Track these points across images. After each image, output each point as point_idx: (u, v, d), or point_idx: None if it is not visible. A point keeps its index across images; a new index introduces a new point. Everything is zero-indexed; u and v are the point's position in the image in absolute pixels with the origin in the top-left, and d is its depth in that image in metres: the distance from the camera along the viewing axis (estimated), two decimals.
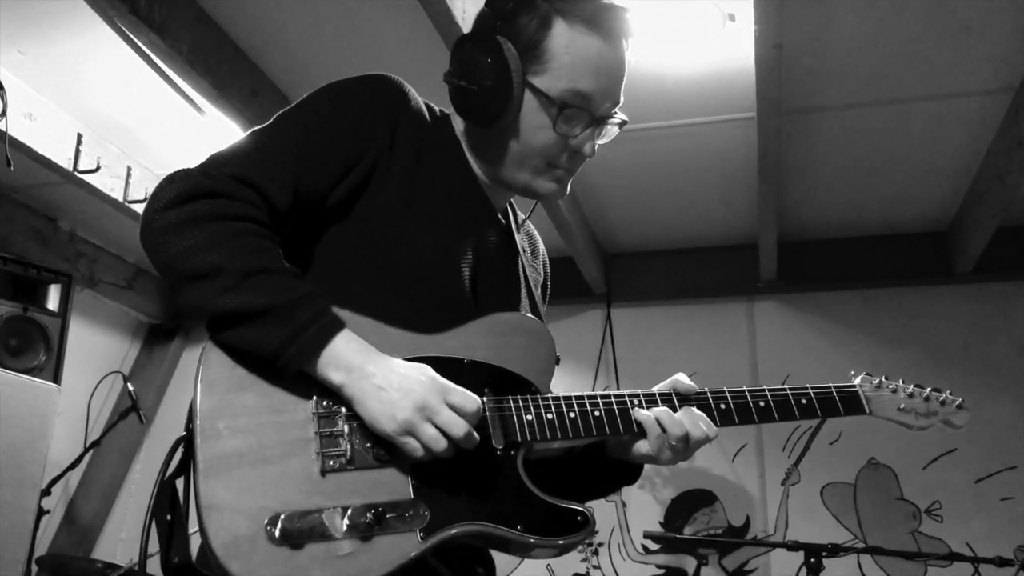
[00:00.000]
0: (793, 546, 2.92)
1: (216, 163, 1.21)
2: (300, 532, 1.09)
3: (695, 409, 1.33)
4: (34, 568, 3.82)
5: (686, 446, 1.31)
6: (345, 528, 1.11)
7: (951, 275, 4.18)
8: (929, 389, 1.51)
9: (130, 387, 4.13)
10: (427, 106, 1.42)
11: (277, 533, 1.08)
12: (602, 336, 4.66)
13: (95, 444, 4.25)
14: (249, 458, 1.11)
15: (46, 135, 3.47)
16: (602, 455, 1.42)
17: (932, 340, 4.22)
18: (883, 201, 4.01)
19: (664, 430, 1.30)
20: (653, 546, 4.31)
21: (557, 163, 1.39)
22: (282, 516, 1.09)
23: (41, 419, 3.58)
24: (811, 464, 4.25)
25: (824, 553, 2.86)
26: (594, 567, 4.35)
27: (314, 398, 1.17)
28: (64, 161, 3.55)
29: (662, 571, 4.29)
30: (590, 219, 4.30)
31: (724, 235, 4.44)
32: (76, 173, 3.58)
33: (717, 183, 3.91)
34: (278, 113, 1.31)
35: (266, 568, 1.06)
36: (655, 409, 1.32)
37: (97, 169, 3.62)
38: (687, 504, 4.36)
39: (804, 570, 2.87)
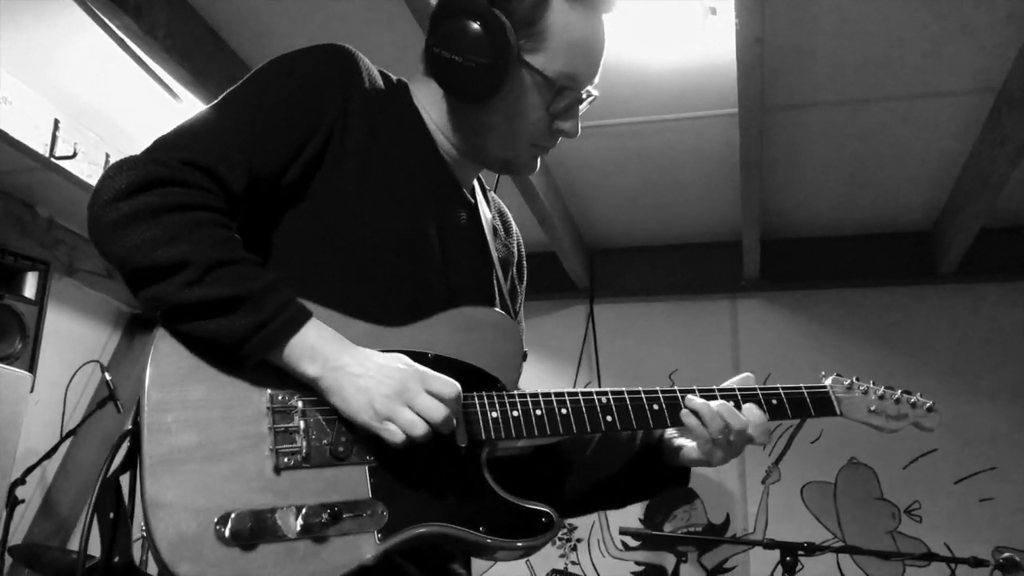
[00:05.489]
0: (769, 544, 2.90)
1: (165, 147, 1.14)
2: (252, 532, 1.04)
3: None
4: (7, 558, 3.78)
5: (728, 441, 1.27)
6: (299, 528, 1.07)
7: (934, 275, 4.18)
8: (900, 391, 1.46)
9: (107, 376, 4.09)
10: (383, 75, 1.35)
11: (227, 533, 1.03)
12: (584, 332, 4.64)
13: (71, 433, 4.22)
14: (198, 454, 1.07)
15: (22, 120, 3.40)
16: (653, 458, 1.39)
17: (915, 340, 4.22)
18: (867, 200, 4.00)
19: (704, 424, 1.27)
20: (632, 542, 4.30)
21: (541, 143, 1.36)
22: (232, 515, 1.04)
23: (12, 408, 3.54)
24: (791, 463, 4.24)
25: (800, 552, 2.84)
26: (573, 563, 4.33)
27: (268, 392, 1.12)
28: (40, 147, 3.49)
29: (641, 568, 4.28)
30: (573, 214, 4.28)
31: (707, 232, 4.41)
32: (53, 159, 3.53)
33: (700, 179, 3.89)
34: (225, 92, 1.25)
35: (215, 569, 1.02)
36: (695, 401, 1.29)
37: (74, 155, 3.57)
38: (667, 501, 4.35)
39: (781, 568, 2.86)
